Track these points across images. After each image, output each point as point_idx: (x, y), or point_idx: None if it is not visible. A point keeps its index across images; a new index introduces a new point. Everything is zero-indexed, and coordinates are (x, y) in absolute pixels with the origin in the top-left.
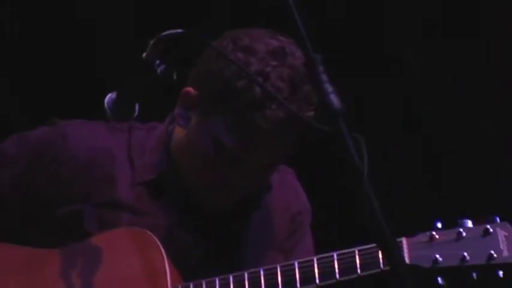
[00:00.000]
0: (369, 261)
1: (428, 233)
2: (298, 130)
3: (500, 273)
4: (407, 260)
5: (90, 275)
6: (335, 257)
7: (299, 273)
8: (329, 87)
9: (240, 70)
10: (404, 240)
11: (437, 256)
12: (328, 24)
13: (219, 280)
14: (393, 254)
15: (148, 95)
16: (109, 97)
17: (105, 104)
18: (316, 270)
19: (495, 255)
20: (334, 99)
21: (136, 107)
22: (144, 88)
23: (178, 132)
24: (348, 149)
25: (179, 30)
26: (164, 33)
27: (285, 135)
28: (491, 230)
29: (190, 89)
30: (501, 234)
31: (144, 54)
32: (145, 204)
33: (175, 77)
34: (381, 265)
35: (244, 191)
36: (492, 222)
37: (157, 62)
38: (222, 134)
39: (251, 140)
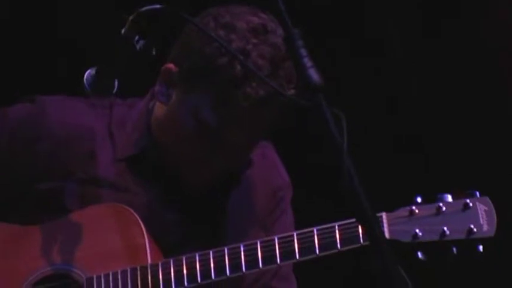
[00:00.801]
0: (348, 236)
1: (408, 208)
2: (279, 108)
3: (480, 247)
4: (387, 235)
5: (70, 251)
6: (315, 232)
7: (279, 248)
8: (308, 62)
9: (221, 47)
10: (384, 215)
11: (417, 231)
12: (310, 4)
13: (199, 256)
14: (373, 229)
15: (128, 71)
16: (88, 73)
17: (84, 80)
18: (296, 246)
19: (475, 230)
20: (314, 74)
21: (116, 83)
22: (123, 64)
23: (159, 109)
24: (327, 124)
25: (158, 6)
26: (143, 8)
27: (266, 113)
28: (470, 205)
29: (171, 66)
30: (481, 208)
31: (123, 30)
32: (126, 181)
33: (154, 53)
34: (361, 240)
35: (225, 169)
36: (472, 196)
37: (137, 37)
38: (202, 111)
39: (231, 117)
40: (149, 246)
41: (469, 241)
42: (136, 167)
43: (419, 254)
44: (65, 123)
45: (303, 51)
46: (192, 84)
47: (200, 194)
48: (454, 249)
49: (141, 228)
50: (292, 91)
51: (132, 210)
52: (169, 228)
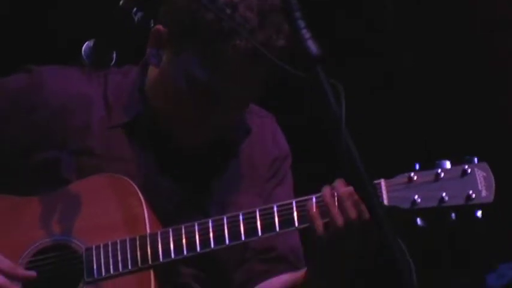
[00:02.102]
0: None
1: (406, 175)
2: (269, 62)
3: (479, 213)
4: (385, 202)
5: (69, 222)
6: (314, 200)
7: (278, 216)
8: (307, 33)
9: (208, 2)
10: (382, 182)
11: (416, 197)
12: None
13: (198, 225)
14: (371, 197)
15: (126, 43)
16: (86, 45)
17: (83, 52)
18: (295, 214)
19: (473, 196)
20: (312, 45)
21: (114, 55)
22: (122, 36)
23: (152, 72)
24: (325, 95)
25: None
26: None
27: (257, 66)
28: (469, 171)
29: (160, 27)
30: (479, 174)
31: (121, 2)
32: (122, 149)
33: (152, 25)
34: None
35: (219, 128)
36: (470, 163)
37: (135, 9)
38: (193, 68)
39: (222, 72)
40: (148, 215)
41: (468, 207)
42: (132, 134)
43: (418, 220)
44: (61, 93)
45: (301, 23)
46: (181, 43)
47: (198, 161)
48: (453, 215)
49: (139, 197)
50: (282, 42)
51: (129, 180)
52: (166, 196)
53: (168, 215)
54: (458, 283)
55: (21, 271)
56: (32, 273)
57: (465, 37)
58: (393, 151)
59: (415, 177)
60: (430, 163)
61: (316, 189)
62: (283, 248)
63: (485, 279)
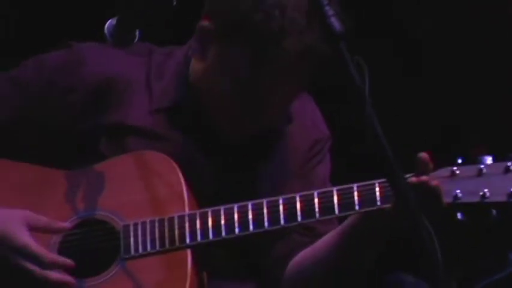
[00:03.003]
0: (390, 193)
1: (449, 169)
2: (317, 62)
3: None
4: None
5: (106, 198)
6: (355, 188)
7: (319, 203)
8: (330, 10)
9: (257, 2)
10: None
11: (458, 192)
12: None
13: (238, 207)
14: (398, 182)
15: (149, 21)
16: (109, 23)
17: (106, 30)
18: (335, 201)
19: None
20: (336, 22)
21: (137, 33)
22: (145, 14)
23: (196, 64)
24: (349, 72)
25: None
26: None
27: (304, 67)
28: None
29: (206, 23)
30: None
31: None
32: (163, 130)
33: (175, 3)
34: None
35: (263, 126)
36: None
37: None
38: (239, 68)
39: (269, 74)
40: (187, 195)
41: (510, 204)
42: (172, 118)
43: (459, 214)
44: (102, 71)
45: (324, 0)
46: (228, 41)
47: (238, 146)
48: (494, 211)
49: (179, 176)
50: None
51: (169, 158)
52: (206, 180)
53: (207, 198)
54: (482, 260)
55: (57, 223)
56: (68, 224)
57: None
58: (435, 144)
59: (458, 172)
60: (472, 157)
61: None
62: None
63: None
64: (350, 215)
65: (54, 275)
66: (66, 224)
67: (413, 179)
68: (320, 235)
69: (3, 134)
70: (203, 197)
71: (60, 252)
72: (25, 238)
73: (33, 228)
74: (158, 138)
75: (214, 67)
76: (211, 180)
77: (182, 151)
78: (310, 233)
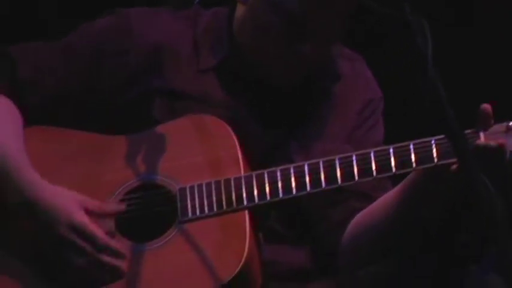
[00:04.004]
0: (447, 149)
1: (505, 124)
2: None
3: None
4: None
5: (160, 162)
6: (411, 146)
7: (375, 161)
8: None
9: None
10: (481, 133)
11: None
12: None
13: (294, 168)
14: (458, 142)
15: None
16: None
17: None
18: (392, 159)
19: None
20: None
21: None
22: None
23: (239, 11)
24: (411, 31)
25: None
26: None
27: None
28: None
29: None
30: None
31: None
32: (212, 92)
33: None
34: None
35: (307, 63)
36: None
37: None
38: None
39: (312, 1)
40: (242, 157)
41: None
42: (220, 76)
43: None
44: (150, 34)
45: None
46: None
47: (290, 106)
48: None
49: (233, 139)
50: None
51: (223, 121)
52: (254, 140)
53: (256, 159)
54: None
55: (110, 206)
56: (121, 206)
57: None
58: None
59: None
60: None
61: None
62: (379, 195)
63: None
64: (407, 173)
65: (105, 257)
66: (121, 206)
67: (479, 143)
68: (375, 200)
69: (56, 103)
70: (252, 156)
71: (119, 218)
72: (83, 217)
73: (87, 211)
74: (207, 100)
75: (256, 3)
76: (260, 139)
77: (231, 113)
78: (366, 199)
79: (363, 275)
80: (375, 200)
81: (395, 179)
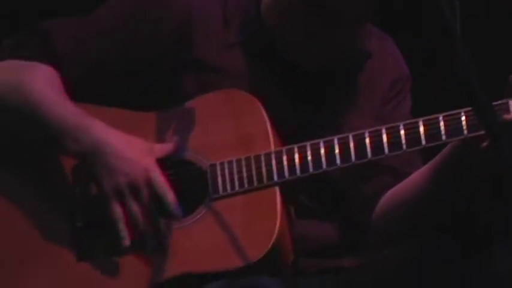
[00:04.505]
0: (476, 122)
1: None
2: None
3: None
4: None
5: (190, 138)
6: (441, 118)
7: (405, 134)
8: None
9: None
10: (510, 102)
11: None
12: None
13: (324, 142)
14: (486, 114)
15: None
16: None
17: None
18: (422, 132)
19: None
20: None
21: None
22: None
23: None
24: (441, 9)
25: None
26: None
27: None
28: None
29: None
30: None
31: None
32: (240, 68)
33: None
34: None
35: (334, 50)
36: None
37: None
38: None
39: None
40: (272, 132)
41: None
42: (249, 52)
43: None
44: (182, 6)
45: None
46: None
47: (313, 81)
48: None
49: (263, 114)
50: None
51: (253, 97)
52: (281, 116)
53: (283, 137)
54: None
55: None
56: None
57: None
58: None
59: None
60: None
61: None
62: (408, 170)
63: None
64: (438, 149)
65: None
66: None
67: (506, 116)
68: (406, 175)
69: (92, 77)
70: (285, 133)
71: None
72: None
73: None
74: (236, 76)
75: None
76: (288, 117)
77: (259, 89)
78: (396, 174)
79: (388, 255)
80: (405, 176)
81: (427, 157)
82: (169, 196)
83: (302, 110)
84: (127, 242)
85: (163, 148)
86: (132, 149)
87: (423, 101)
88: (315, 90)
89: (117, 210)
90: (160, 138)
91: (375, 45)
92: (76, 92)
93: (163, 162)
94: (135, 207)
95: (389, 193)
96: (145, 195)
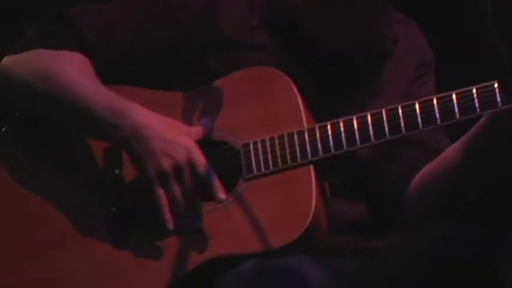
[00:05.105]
0: (488, 100)
1: None
2: None
3: None
4: None
5: (221, 117)
6: (474, 90)
7: (438, 108)
8: None
9: None
10: None
11: None
12: None
13: (357, 118)
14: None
15: None
16: None
17: None
18: (455, 105)
19: None
20: None
21: None
22: None
23: None
24: None
25: None
26: None
27: None
28: None
29: None
30: None
31: None
32: (267, 46)
33: None
34: (499, 104)
35: (358, 33)
36: None
37: None
38: None
39: None
40: (304, 109)
41: None
42: (274, 34)
43: None
44: None
45: None
46: None
47: (341, 64)
48: None
49: (294, 91)
50: None
51: (283, 73)
52: (309, 95)
53: (318, 111)
54: None
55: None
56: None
57: None
58: None
59: None
60: None
61: None
62: (438, 146)
63: None
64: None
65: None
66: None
67: None
68: (435, 152)
69: (121, 60)
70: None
71: None
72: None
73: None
74: (264, 54)
75: None
76: (315, 98)
77: (285, 68)
78: (427, 151)
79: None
80: (434, 152)
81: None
82: (212, 177)
83: (326, 92)
84: (171, 225)
85: (200, 130)
86: (172, 131)
87: (446, 85)
88: (339, 73)
89: (161, 193)
90: (189, 118)
91: (400, 29)
92: (105, 77)
93: (198, 144)
94: (177, 189)
95: (424, 170)
96: (187, 176)
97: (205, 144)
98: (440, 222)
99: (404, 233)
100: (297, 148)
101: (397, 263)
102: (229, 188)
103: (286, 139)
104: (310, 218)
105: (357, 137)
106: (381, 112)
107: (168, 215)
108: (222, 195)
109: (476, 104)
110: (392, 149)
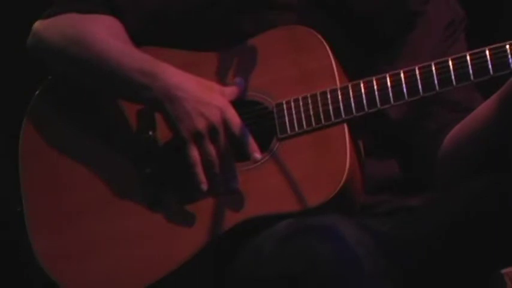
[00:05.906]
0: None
1: None
2: None
3: None
4: None
5: (254, 77)
6: (507, 46)
7: (472, 64)
8: None
9: None
10: None
11: None
12: None
13: (390, 75)
14: None
15: None
16: None
17: None
18: (489, 61)
19: None
20: None
21: None
22: None
23: None
24: None
25: None
26: None
27: None
28: None
29: None
30: None
31: None
32: (299, 5)
33: None
34: None
35: None
36: None
37: None
38: None
39: None
40: (336, 68)
41: None
42: None
43: None
44: None
45: None
46: None
47: (369, 24)
48: None
49: (326, 49)
50: None
51: (315, 32)
52: (341, 56)
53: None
54: None
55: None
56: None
57: None
58: None
59: None
60: None
61: None
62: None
63: None
64: (504, 76)
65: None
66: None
67: None
68: (468, 110)
69: (151, 22)
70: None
71: None
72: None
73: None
74: (294, 12)
75: None
76: (344, 56)
77: (318, 25)
78: (459, 108)
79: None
80: (466, 111)
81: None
82: (247, 136)
83: (357, 53)
84: (205, 186)
85: (234, 89)
86: (206, 92)
87: (478, 43)
88: (370, 34)
89: (195, 154)
90: (222, 78)
91: None
92: (138, 40)
93: (231, 104)
94: (211, 150)
95: (456, 127)
96: (222, 136)
97: (238, 104)
98: (477, 177)
99: (438, 190)
100: (330, 107)
101: (436, 219)
102: (262, 148)
103: (319, 98)
104: (345, 175)
105: (391, 94)
106: (414, 69)
107: (202, 176)
108: (257, 154)
109: (510, 60)
110: (425, 108)
